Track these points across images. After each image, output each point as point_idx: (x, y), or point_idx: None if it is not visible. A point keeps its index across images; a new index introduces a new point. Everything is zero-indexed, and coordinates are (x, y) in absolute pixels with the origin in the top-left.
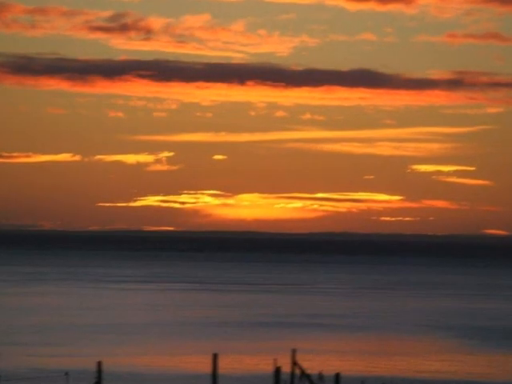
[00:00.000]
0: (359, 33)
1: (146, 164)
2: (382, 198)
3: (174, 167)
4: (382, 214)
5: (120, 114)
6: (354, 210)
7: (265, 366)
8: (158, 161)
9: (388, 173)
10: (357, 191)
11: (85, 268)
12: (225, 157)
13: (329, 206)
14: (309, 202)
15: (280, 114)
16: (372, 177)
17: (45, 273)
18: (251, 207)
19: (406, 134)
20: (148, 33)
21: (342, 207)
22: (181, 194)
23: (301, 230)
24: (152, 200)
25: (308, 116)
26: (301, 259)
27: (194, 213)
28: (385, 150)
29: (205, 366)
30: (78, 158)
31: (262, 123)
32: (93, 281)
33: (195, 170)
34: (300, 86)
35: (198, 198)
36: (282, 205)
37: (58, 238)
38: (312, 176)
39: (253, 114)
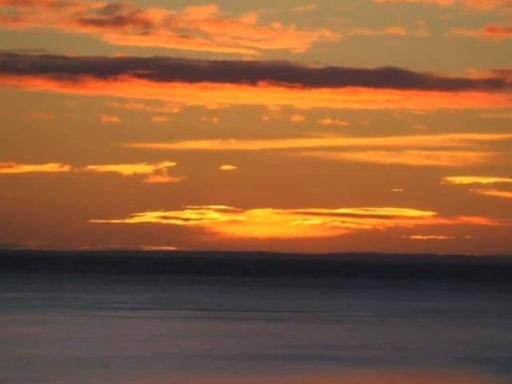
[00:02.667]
0: (386, 27)
1: (145, 175)
2: (412, 214)
3: (176, 179)
4: (412, 231)
5: (115, 119)
6: (380, 227)
7: None
8: (157, 172)
9: (419, 185)
10: (383, 206)
11: (75, 293)
12: (234, 167)
13: (352, 223)
14: (329, 219)
15: (297, 118)
16: (401, 190)
17: (29, 299)
18: (264, 224)
19: (439, 142)
20: (146, 26)
21: (367, 224)
22: (184, 210)
23: (320, 251)
24: (151, 216)
25: (328, 121)
26: (320, 283)
27: (199, 231)
28: (415, 159)
29: None
30: (67, 168)
31: (277, 129)
32: (84, 308)
33: (200, 183)
34: (319, 86)
35: (204, 214)
36: (298, 221)
37: (44, 259)
38: (333, 189)
39: (266, 118)
